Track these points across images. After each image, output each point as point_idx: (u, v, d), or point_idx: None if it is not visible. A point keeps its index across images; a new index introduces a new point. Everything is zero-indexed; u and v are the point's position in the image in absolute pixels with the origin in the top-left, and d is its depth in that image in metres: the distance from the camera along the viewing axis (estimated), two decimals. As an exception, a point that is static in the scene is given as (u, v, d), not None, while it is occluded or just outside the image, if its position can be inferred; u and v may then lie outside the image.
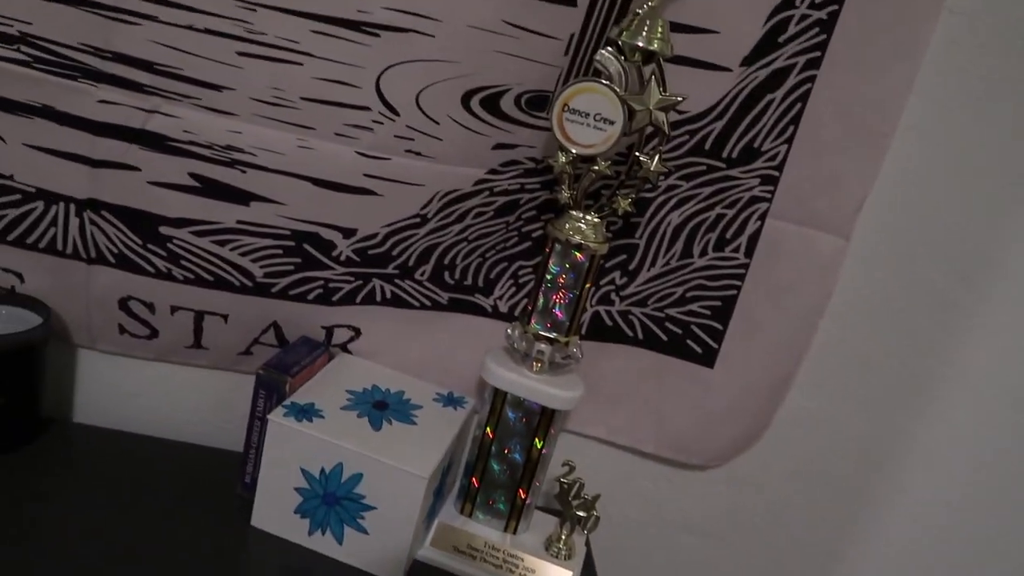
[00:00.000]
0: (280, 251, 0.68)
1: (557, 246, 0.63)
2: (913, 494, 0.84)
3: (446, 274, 0.73)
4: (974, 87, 0.68)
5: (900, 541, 0.86)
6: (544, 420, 0.66)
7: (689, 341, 0.76)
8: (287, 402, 0.65)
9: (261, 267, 0.69)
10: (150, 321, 0.72)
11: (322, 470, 0.64)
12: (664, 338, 0.76)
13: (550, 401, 0.65)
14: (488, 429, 0.68)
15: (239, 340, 0.73)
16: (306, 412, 0.65)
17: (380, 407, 0.68)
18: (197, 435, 0.78)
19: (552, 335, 0.64)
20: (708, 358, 0.76)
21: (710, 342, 0.75)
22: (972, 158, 0.70)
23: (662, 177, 0.65)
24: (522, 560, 0.68)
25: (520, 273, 0.74)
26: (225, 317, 0.72)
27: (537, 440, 0.67)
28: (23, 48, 0.60)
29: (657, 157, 0.59)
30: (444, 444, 0.66)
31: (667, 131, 0.58)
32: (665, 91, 0.57)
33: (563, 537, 0.70)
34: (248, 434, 0.68)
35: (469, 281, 0.74)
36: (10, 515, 0.62)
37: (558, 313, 0.64)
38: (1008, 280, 0.74)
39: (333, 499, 0.64)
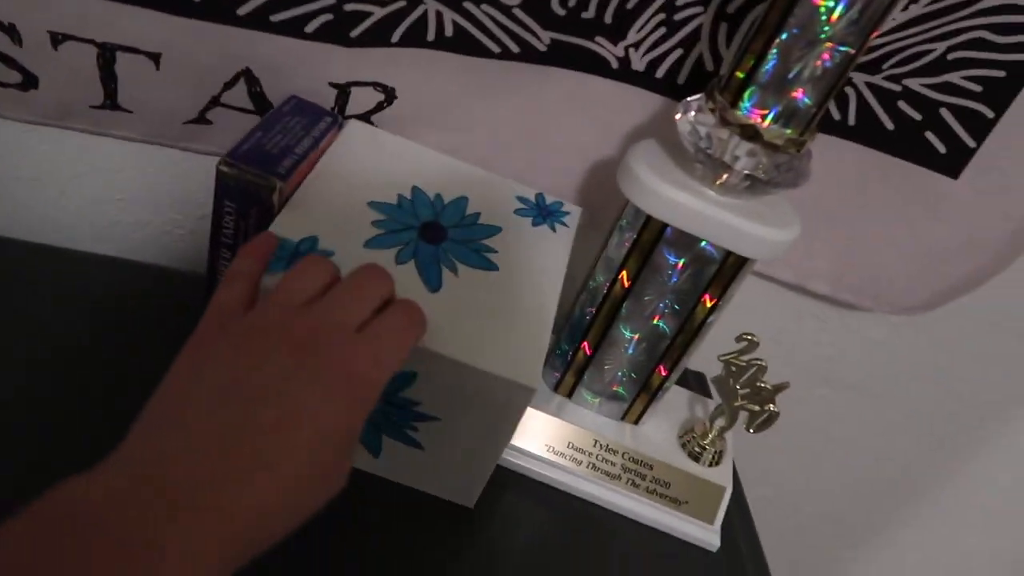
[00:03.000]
0: (252, -68, 0.36)
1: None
2: None
3: (552, -3, 0.41)
4: None
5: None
6: (725, 273, 0.39)
7: (929, 133, 0.46)
8: (274, 228, 0.36)
9: (216, -36, 0.37)
10: (16, 58, 0.40)
11: (347, 348, 0.36)
12: (889, 126, 0.46)
13: (752, 247, 0.37)
14: (624, 276, 0.40)
15: (184, 99, 0.42)
16: (306, 254, 0.36)
17: (432, 236, 0.40)
18: (132, 247, 0.50)
19: (781, 130, 0.34)
20: (953, 162, 0.47)
21: (964, 137, 0.46)
22: None
23: None
24: (650, 468, 0.44)
25: (680, 2, 0.42)
26: (156, 58, 0.40)
27: (706, 301, 0.40)
28: None
29: None
30: (550, 310, 0.39)
31: None
32: None
33: (710, 434, 0.45)
34: (211, 265, 0.40)
35: (590, 12, 0.42)
36: None
37: (798, 93, 0.34)
38: None
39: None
